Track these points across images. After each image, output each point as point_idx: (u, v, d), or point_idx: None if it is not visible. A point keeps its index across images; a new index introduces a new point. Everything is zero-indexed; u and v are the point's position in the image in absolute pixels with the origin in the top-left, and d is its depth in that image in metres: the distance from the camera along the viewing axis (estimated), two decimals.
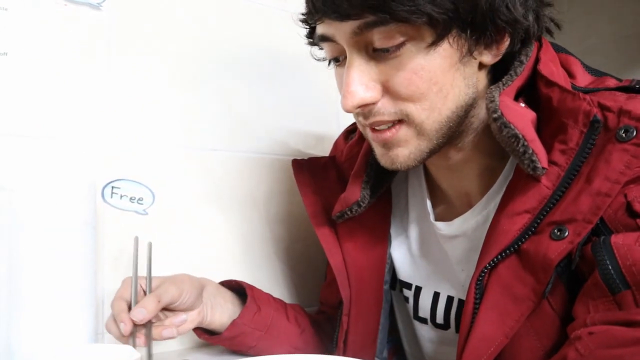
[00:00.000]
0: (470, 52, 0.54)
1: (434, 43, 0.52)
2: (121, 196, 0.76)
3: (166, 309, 0.65)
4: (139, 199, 0.77)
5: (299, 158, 0.78)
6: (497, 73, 0.59)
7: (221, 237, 0.86)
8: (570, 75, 0.58)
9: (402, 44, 0.52)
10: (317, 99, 0.97)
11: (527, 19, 0.55)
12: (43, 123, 0.71)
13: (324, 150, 0.89)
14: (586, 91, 0.54)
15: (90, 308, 0.65)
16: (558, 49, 0.62)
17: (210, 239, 0.84)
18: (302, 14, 0.58)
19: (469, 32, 0.53)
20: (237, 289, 0.76)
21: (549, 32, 0.60)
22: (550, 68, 0.56)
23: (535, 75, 0.57)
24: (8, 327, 0.61)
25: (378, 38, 0.52)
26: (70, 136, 0.72)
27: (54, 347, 0.59)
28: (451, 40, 0.53)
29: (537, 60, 0.58)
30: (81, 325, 0.63)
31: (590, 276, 0.48)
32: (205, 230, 0.84)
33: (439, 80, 0.54)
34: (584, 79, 0.58)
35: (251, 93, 0.90)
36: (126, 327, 0.59)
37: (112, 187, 0.75)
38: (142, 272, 0.65)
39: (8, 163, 0.67)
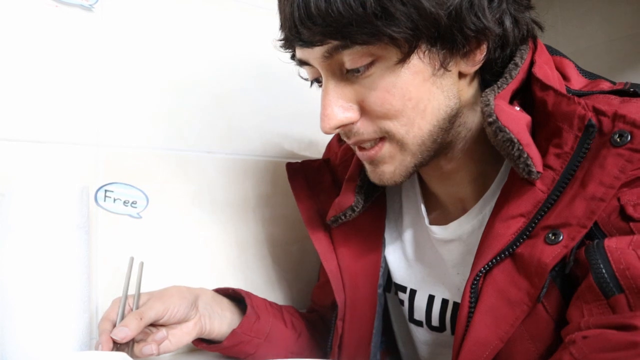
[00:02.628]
0: (443, 65, 0.54)
1: (402, 61, 0.52)
2: (115, 200, 0.75)
3: (156, 324, 0.65)
4: (132, 203, 0.77)
5: (293, 161, 0.78)
6: (488, 76, 0.59)
7: (216, 240, 0.85)
8: (565, 78, 0.58)
9: (371, 64, 0.53)
10: (310, 100, 0.96)
11: (502, 25, 0.55)
12: (35, 127, 0.70)
13: (318, 152, 0.89)
14: (580, 94, 0.54)
15: (84, 312, 0.64)
16: (552, 51, 0.62)
17: (204, 241, 0.84)
18: (279, 40, 0.58)
19: (438, 45, 0.53)
20: (234, 296, 0.76)
21: (533, 35, 0.60)
22: (545, 71, 0.57)
23: (530, 78, 0.57)
24: (1, 333, 0.61)
25: (347, 60, 0.53)
26: (62, 140, 0.72)
27: (47, 353, 0.59)
28: (421, 55, 0.53)
29: (532, 62, 0.58)
30: (75, 330, 0.63)
31: (584, 280, 0.49)
32: (199, 233, 0.84)
33: (413, 96, 0.54)
34: (578, 81, 0.58)
35: (244, 95, 0.90)
36: (103, 349, 0.58)
37: (106, 191, 0.75)
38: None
39: (3, 168, 0.67)
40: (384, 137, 0.56)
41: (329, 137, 0.84)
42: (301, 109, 0.95)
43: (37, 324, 0.60)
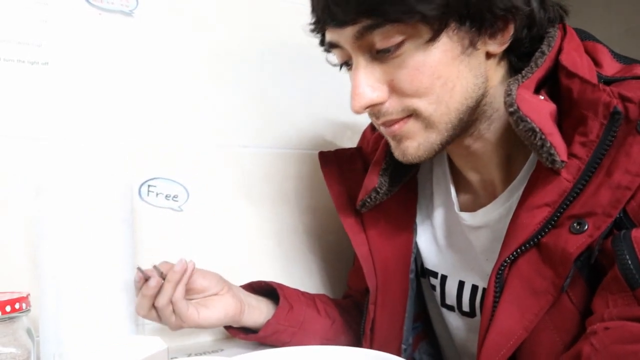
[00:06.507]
0: (472, 44, 0.54)
1: (432, 39, 0.53)
2: (157, 194, 0.79)
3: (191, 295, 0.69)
4: (174, 197, 0.81)
5: (326, 150, 0.80)
6: (516, 58, 0.59)
7: (254, 231, 0.88)
8: (597, 63, 0.57)
9: (401, 43, 0.53)
10: (346, 93, 0.98)
11: (528, 4, 0.54)
12: (83, 127, 0.75)
13: (353, 145, 0.90)
14: (612, 80, 0.53)
15: (130, 301, 0.69)
16: (585, 36, 0.61)
17: (243, 233, 0.87)
18: (309, 25, 0.59)
19: (467, 24, 0.53)
20: (265, 289, 0.78)
21: (561, 17, 0.59)
22: (573, 58, 0.55)
23: (557, 66, 0.56)
24: (56, 319, 0.66)
25: (378, 40, 0.54)
26: (108, 138, 0.76)
27: (96, 339, 0.64)
28: (450, 34, 0.53)
29: (560, 49, 0.57)
30: (121, 317, 0.67)
31: (610, 270, 0.48)
32: (238, 224, 0.87)
33: (442, 74, 0.54)
34: (611, 67, 0.57)
35: (280, 90, 0.92)
36: (138, 273, 0.64)
37: (149, 186, 0.79)
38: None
39: (50, 165, 0.72)
40: (410, 115, 0.57)
41: (363, 129, 0.85)
42: (336, 102, 0.96)
43: (86, 310, 0.65)
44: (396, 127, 0.58)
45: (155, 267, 0.66)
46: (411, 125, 0.57)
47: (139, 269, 0.65)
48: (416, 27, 0.52)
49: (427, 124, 0.57)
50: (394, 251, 0.70)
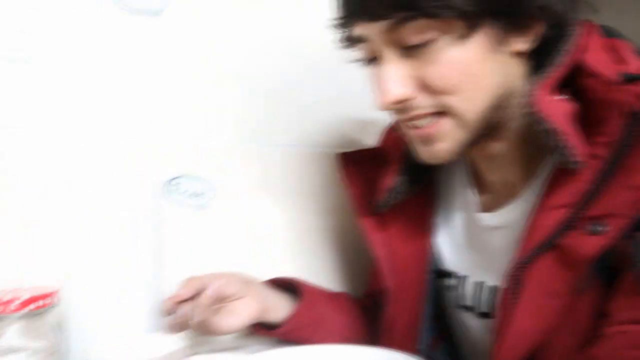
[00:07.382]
0: (502, 41, 0.53)
1: (466, 35, 0.52)
2: (182, 192, 0.81)
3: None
4: (199, 194, 0.83)
5: (344, 151, 0.80)
6: (540, 59, 0.57)
7: (278, 229, 0.89)
8: (621, 61, 0.56)
9: (434, 39, 0.53)
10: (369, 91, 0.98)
11: (562, 3, 0.53)
12: (108, 125, 0.76)
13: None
14: (636, 77, 0.52)
15: (153, 297, 0.70)
16: (609, 33, 0.59)
17: (267, 230, 0.88)
18: (335, 19, 0.59)
19: (501, 20, 0.52)
20: (288, 285, 0.79)
21: (586, 18, 0.57)
22: (595, 56, 0.55)
23: (579, 65, 0.55)
24: (82, 315, 0.68)
25: (411, 34, 0.53)
26: (133, 136, 0.78)
27: (120, 333, 0.66)
28: (484, 30, 0.52)
29: (581, 48, 0.56)
30: (145, 313, 0.69)
31: (627, 273, 0.47)
32: (262, 222, 0.88)
33: (473, 71, 0.54)
34: (637, 64, 0.55)
35: (304, 89, 0.92)
36: (165, 306, 0.64)
37: (174, 184, 0.81)
38: None
39: (77, 164, 0.74)
40: (442, 112, 0.56)
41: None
42: (361, 100, 0.96)
43: (111, 308, 0.67)
44: (431, 129, 0.57)
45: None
46: (445, 125, 0.56)
47: (170, 298, 0.66)
48: (451, 22, 0.51)
49: (459, 122, 0.56)
50: (412, 252, 0.70)
